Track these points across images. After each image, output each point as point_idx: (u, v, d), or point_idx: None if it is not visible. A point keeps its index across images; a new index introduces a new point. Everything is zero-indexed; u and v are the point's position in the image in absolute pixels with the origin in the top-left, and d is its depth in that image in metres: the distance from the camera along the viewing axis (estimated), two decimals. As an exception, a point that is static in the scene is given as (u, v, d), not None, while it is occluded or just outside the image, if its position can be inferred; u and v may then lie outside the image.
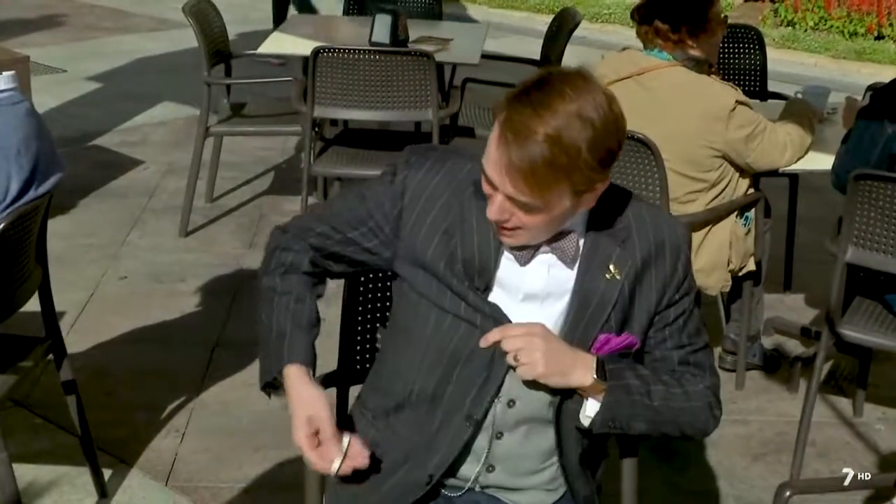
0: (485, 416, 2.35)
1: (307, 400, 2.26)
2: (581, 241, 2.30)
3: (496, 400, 2.33)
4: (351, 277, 2.68)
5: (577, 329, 2.31)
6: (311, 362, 2.33)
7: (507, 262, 2.31)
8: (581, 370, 2.26)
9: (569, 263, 2.29)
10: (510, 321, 2.30)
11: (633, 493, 2.63)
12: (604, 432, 2.33)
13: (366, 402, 2.52)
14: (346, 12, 6.91)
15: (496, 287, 2.31)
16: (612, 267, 2.31)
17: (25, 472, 3.59)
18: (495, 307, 2.30)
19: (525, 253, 2.29)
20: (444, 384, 2.36)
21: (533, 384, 2.28)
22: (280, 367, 2.31)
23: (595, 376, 2.26)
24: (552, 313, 2.33)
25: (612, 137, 2.15)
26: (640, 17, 4.17)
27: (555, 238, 2.27)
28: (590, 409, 2.30)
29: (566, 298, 2.32)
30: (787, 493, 2.59)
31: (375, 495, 2.40)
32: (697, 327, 2.42)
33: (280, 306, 2.38)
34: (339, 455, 2.22)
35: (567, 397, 2.32)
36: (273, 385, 2.35)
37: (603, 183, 2.20)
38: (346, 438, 2.24)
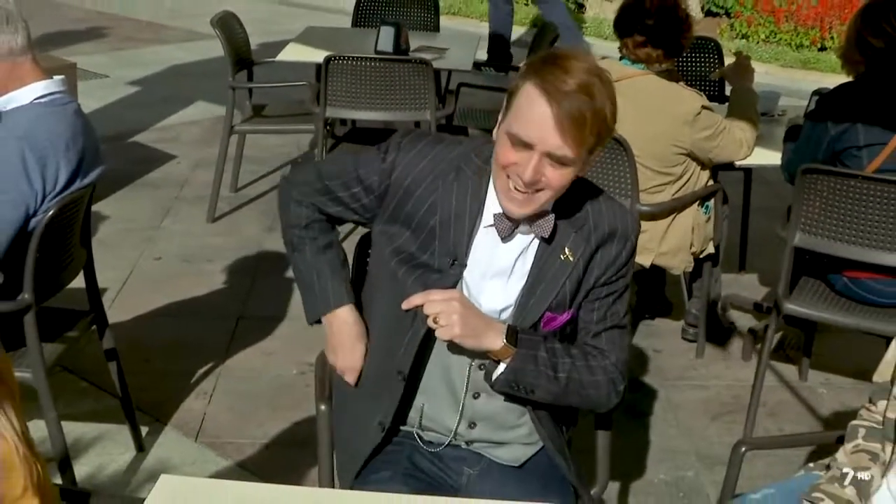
0: (412, 372, 2.34)
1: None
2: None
3: (471, 364, 2.33)
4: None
5: (527, 305, 2.31)
6: (351, 299, 2.45)
7: (481, 240, 2.29)
8: (493, 334, 2.24)
9: (548, 239, 2.27)
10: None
11: (606, 444, 2.63)
12: (505, 392, 2.32)
13: None
14: (355, 24, 6.88)
15: (470, 263, 2.29)
16: (567, 250, 2.30)
17: (73, 430, 3.59)
18: (451, 282, 2.28)
19: (506, 228, 2.26)
20: (388, 342, 2.37)
21: (453, 346, 2.28)
22: (328, 310, 2.44)
23: (505, 341, 2.24)
24: (514, 291, 2.32)
25: (615, 95, 2.17)
26: (622, 31, 4.11)
27: (535, 218, 2.25)
28: (499, 368, 2.29)
29: (526, 277, 2.31)
30: (743, 449, 2.58)
31: (358, 445, 2.43)
32: (623, 310, 2.39)
33: (313, 252, 2.47)
34: None
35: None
36: (319, 321, 2.47)
37: (602, 149, 2.22)
38: None
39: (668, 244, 4.18)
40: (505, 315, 2.32)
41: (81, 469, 3.52)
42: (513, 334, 2.25)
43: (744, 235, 5.38)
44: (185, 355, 4.37)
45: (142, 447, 3.72)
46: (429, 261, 2.29)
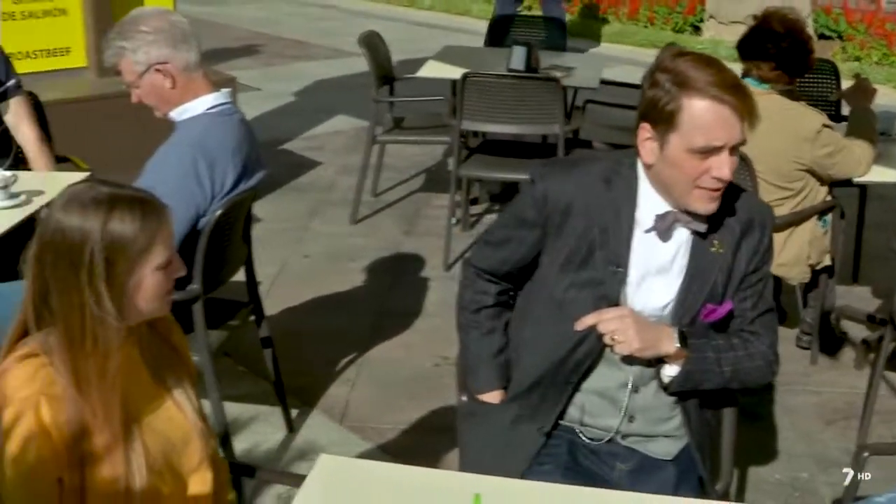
0: (580, 380, 2.35)
1: None
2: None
3: (632, 364, 2.32)
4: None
5: (686, 299, 2.30)
6: (500, 385, 2.48)
7: (640, 242, 2.28)
8: (667, 341, 2.25)
9: (701, 228, 2.26)
10: (621, 298, 2.28)
11: (731, 442, 2.58)
12: (677, 392, 2.33)
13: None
14: (488, 44, 6.89)
15: (631, 266, 2.29)
16: (715, 241, 2.29)
17: (231, 410, 3.66)
18: (617, 287, 2.28)
19: (664, 225, 2.26)
20: (552, 356, 2.36)
21: (627, 356, 2.27)
22: (480, 393, 2.49)
23: (678, 345, 2.25)
24: (673, 287, 2.31)
25: None
26: (746, 55, 4.03)
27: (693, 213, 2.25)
28: (669, 370, 2.30)
29: (684, 272, 2.29)
30: (865, 454, 2.51)
31: (502, 438, 2.44)
32: (771, 293, 2.40)
33: (477, 337, 2.51)
34: None
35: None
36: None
37: None
38: None
39: (786, 255, 4.08)
40: (667, 311, 2.31)
41: (239, 445, 3.59)
42: (683, 337, 2.26)
43: (857, 249, 5.22)
44: (331, 345, 4.42)
45: (292, 428, 3.78)
46: (592, 273, 2.29)
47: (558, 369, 2.35)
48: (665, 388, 2.33)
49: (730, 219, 2.30)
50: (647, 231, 2.27)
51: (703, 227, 2.26)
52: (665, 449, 2.41)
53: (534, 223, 2.35)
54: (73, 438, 1.85)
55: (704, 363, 2.28)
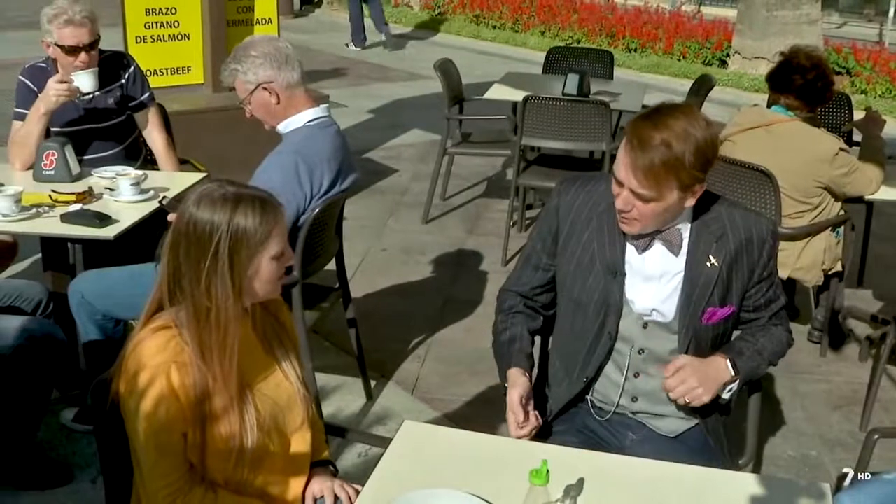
0: (595, 376, 2.34)
1: (512, 392, 2.24)
2: (686, 235, 2.25)
3: (631, 349, 2.31)
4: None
5: (689, 305, 2.26)
6: (524, 366, 2.30)
7: (630, 253, 2.27)
8: (724, 375, 2.25)
9: (674, 251, 2.24)
10: (622, 300, 2.26)
11: (756, 422, 2.53)
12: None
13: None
14: (545, 71, 6.84)
15: (627, 272, 2.27)
16: (711, 257, 2.25)
17: (319, 379, 3.67)
18: (617, 291, 2.25)
19: (641, 243, 2.24)
20: (571, 348, 2.35)
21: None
22: (505, 371, 2.32)
23: (732, 373, 2.25)
24: (666, 290, 2.27)
25: (710, 149, 2.11)
26: (775, 86, 3.95)
27: (663, 233, 2.22)
28: (728, 386, 2.28)
29: (677, 279, 2.26)
30: (876, 437, 2.45)
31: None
32: (780, 291, 2.37)
33: (505, 339, 2.39)
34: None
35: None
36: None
37: (701, 185, 2.15)
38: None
39: (803, 261, 4.01)
40: (657, 315, 2.28)
41: (325, 410, 3.59)
42: (734, 363, 2.27)
43: (863, 257, 5.11)
44: (404, 327, 4.42)
45: (370, 396, 3.78)
46: (596, 280, 2.28)
47: (577, 363, 2.34)
48: (727, 401, 2.33)
49: (727, 238, 2.25)
50: (630, 243, 2.26)
51: (672, 247, 2.24)
52: (672, 427, 2.37)
53: (548, 232, 2.36)
54: (196, 400, 1.86)
55: (749, 371, 2.31)
